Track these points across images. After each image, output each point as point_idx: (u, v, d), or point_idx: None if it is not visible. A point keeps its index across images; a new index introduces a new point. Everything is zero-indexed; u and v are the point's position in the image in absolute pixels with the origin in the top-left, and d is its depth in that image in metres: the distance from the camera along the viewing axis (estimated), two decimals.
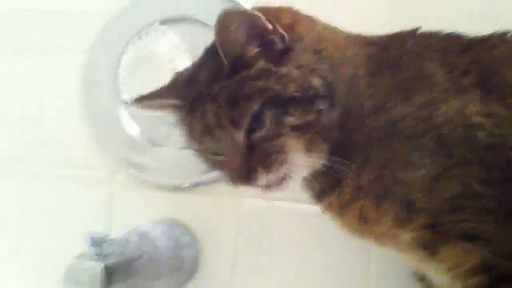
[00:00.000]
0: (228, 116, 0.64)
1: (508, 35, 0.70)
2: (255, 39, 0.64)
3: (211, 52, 0.68)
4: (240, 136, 0.64)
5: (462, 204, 0.63)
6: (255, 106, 0.63)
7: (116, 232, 0.91)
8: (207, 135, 0.66)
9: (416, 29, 0.72)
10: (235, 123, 0.64)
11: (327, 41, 0.69)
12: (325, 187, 0.69)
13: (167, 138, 0.98)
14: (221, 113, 0.64)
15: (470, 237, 0.63)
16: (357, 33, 0.74)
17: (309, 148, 0.65)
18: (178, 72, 0.72)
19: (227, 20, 0.62)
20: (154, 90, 0.71)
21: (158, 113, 0.75)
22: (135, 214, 1.02)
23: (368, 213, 0.67)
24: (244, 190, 0.67)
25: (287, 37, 0.65)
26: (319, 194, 0.70)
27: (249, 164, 0.64)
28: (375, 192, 0.65)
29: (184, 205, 0.99)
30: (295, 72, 0.64)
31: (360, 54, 0.70)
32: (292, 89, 0.63)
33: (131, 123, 1.00)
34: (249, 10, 0.66)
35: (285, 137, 0.64)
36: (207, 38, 0.85)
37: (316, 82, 0.65)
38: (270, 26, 0.64)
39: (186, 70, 0.72)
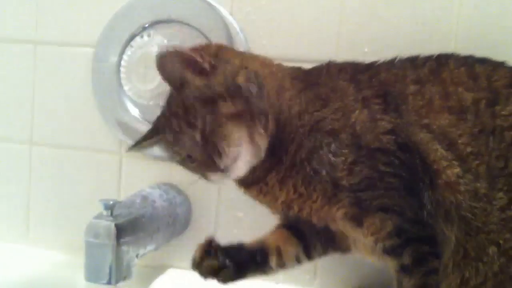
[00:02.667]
0: (186, 122, 0.80)
1: (396, 61, 0.87)
2: (190, 67, 0.80)
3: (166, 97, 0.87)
4: (197, 135, 0.80)
5: (374, 183, 0.78)
6: (198, 108, 0.79)
7: (124, 194, 1.10)
8: (177, 143, 0.83)
9: (329, 61, 0.89)
10: (191, 125, 0.80)
11: (252, 60, 0.86)
12: (263, 170, 0.83)
13: None
14: (181, 122, 0.81)
15: (384, 210, 0.78)
16: (283, 66, 0.89)
17: (250, 132, 0.80)
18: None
19: (162, 61, 0.80)
20: (141, 136, 0.91)
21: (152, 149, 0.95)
22: (138, 179, 1.16)
23: (300, 188, 0.82)
24: None
25: (212, 61, 0.81)
26: (258, 177, 0.84)
27: (208, 155, 0.79)
28: (305, 172, 0.81)
29: (177, 172, 1.06)
30: (219, 78, 0.80)
31: (285, 73, 0.86)
32: (218, 88, 0.80)
33: (133, 108, 1.14)
34: (179, 49, 0.81)
35: (225, 126, 0.79)
36: (192, 39, 1.00)
37: (240, 80, 0.80)
38: (198, 57, 0.80)
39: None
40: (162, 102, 0.89)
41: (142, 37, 1.03)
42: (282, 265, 0.91)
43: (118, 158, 1.20)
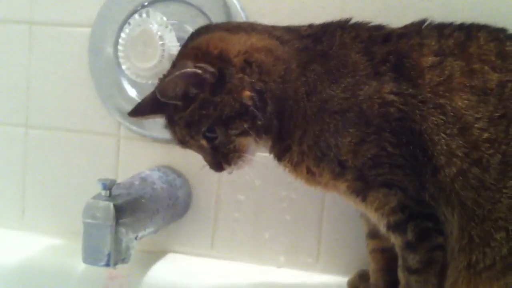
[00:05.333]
0: (188, 134, 0.83)
1: (423, 26, 0.82)
2: (192, 83, 0.79)
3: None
4: (204, 143, 0.83)
5: (380, 161, 0.78)
6: (203, 128, 0.80)
7: (122, 176, 1.08)
8: (182, 145, 0.86)
9: (345, 21, 0.84)
10: (193, 138, 0.83)
11: (257, 51, 0.82)
12: (279, 154, 0.85)
13: None
14: (184, 133, 0.83)
15: (388, 185, 0.78)
16: (292, 26, 0.87)
17: (256, 140, 0.82)
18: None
19: (164, 87, 0.80)
20: (140, 106, 0.90)
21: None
22: (137, 162, 1.15)
23: (312, 169, 0.82)
24: None
25: (215, 71, 0.79)
26: (278, 157, 0.86)
27: (217, 160, 0.83)
28: (314, 155, 0.80)
29: (177, 154, 1.12)
30: (226, 98, 0.79)
31: (291, 50, 0.82)
32: (227, 111, 0.79)
33: (130, 88, 1.13)
34: (177, 73, 0.78)
35: (235, 141, 0.81)
36: (191, 17, 0.99)
37: (246, 97, 0.79)
38: (199, 71, 0.78)
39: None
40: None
41: (140, 15, 1.00)
42: None
43: (116, 140, 1.18)
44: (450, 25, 0.82)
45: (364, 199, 0.81)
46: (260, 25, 0.89)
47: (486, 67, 0.76)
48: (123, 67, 1.04)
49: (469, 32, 0.79)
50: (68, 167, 1.22)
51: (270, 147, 0.85)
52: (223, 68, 0.80)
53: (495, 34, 0.80)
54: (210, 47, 0.81)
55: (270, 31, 0.85)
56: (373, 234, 0.94)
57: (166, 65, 1.01)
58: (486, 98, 0.75)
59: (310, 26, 0.86)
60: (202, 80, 0.79)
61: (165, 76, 0.85)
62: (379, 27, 0.84)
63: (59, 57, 1.20)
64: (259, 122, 0.80)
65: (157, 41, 0.98)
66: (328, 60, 0.81)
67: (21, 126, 1.24)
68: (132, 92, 1.14)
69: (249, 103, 0.79)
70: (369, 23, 0.85)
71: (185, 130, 0.82)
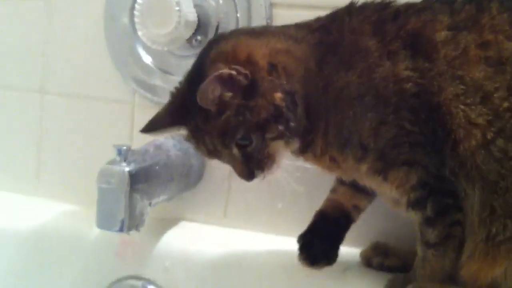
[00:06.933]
0: (221, 143, 0.80)
1: (430, 3, 0.81)
2: (227, 86, 0.76)
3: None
4: (236, 152, 0.80)
5: (400, 140, 0.78)
6: (239, 135, 0.78)
7: (136, 144, 1.06)
8: (211, 155, 0.84)
9: (351, 5, 0.84)
10: (227, 147, 0.80)
11: (279, 53, 0.81)
12: (302, 148, 0.84)
13: (176, 67, 1.10)
14: (216, 142, 0.80)
15: (409, 163, 0.79)
16: (302, 22, 0.86)
17: (287, 144, 0.82)
18: (173, 97, 0.86)
19: (203, 90, 0.75)
20: (156, 120, 0.86)
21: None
22: None
23: (336, 157, 0.83)
24: None
25: (248, 74, 0.77)
26: (300, 152, 0.86)
27: (249, 169, 0.81)
28: (338, 143, 0.81)
29: None
30: (260, 102, 0.77)
31: (307, 47, 0.82)
32: (264, 115, 0.78)
33: (145, 55, 1.12)
34: (213, 75, 0.75)
35: (269, 146, 0.80)
36: None
37: (278, 99, 0.78)
38: (233, 72, 0.75)
39: (177, 98, 0.85)
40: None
41: None
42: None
43: (131, 108, 1.17)
44: None
45: (385, 178, 0.81)
46: (272, 27, 0.90)
47: (500, 37, 0.75)
48: (139, 33, 1.03)
49: (480, 4, 0.78)
50: (83, 134, 1.21)
51: (297, 149, 0.85)
52: (254, 72, 0.78)
53: (508, 4, 0.79)
54: (237, 52, 0.80)
55: (284, 31, 0.85)
56: (335, 189, 0.97)
57: (183, 32, 1.01)
58: (502, 68, 0.74)
59: (318, 19, 0.86)
60: (237, 83, 0.77)
61: (177, 89, 0.86)
62: (387, 5, 0.83)
63: (75, 24, 1.19)
64: (292, 124, 0.80)
65: (174, 6, 0.97)
66: (340, 48, 0.81)
67: (37, 91, 1.24)
68: (148, 59, 1.13)
69: (282, 104, 0.78)
70: (374, 1, 0.84)
71: (218, 139, 0.80)
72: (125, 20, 1.12)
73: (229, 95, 0.77)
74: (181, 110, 0.82)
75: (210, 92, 0.76)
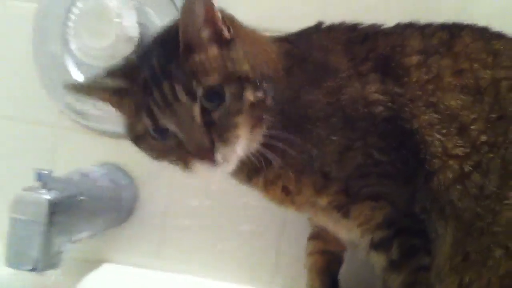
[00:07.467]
0: (185, 89, 0.66)
1: (401, 25, 0.79)
2: (208, 25, 0.68)
3: (160, 41, 0.72)
4: (197, 110, 0.66)
5: (366, 170, 0.73)
6: (211, 82, 0.66)
7: (59, 171, 0.94)
8: (166, 111, 0.67)
9: (319, 24, 0.80)
10: (191, 95, 0.66)
11: (257, 43, 0.75)
12: (251, 171, 0.75)
13: None
14: (179, 87, 0.66)
15: (374, 198, 0.73)
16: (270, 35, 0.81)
17: (253, 126, 0.69)
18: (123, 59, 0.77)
19: (191, 5, 0.65)
20: (98, 75, 0.73)
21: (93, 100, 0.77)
22: (78, 156, 1.06)
23: (290, 186, 0.75)
24: None
25: (231, 29, 0.70)
26: (247, 177, 0.76)
27: (209, 137, 0.66)
28: (295, 168, 0.73)
29: (124, 151, 0.98)
30: (242, 56, 0.69)
31: (278, 52, 0.76)
32: (246, 68, 0.68)
33: (77, 72, 1.02)
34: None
35: (241, 114, 0.68)
36: None
37: (259, 65, 0.70)
38: (220, 15, 0.68)
39: (130, 58, 0.76)
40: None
41: None
42: None
43: (56, 132, 1.08)
44: (431, 25, 0.80)
45: (346, 214, 0.75)
46: None
47: (476, 65, 0.73)
48: (72, 47, 0.95)
49: (452, 32, 0.77)
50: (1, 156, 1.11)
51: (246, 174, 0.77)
52: (234, 35, 0.71)
53: (479, 32, 0.78)
54: (223, 14, 0.72)
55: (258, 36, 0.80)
56: (317, 235, 0.92)
57: (122, 47, 0.92)
58: (480, 98, 0.71)
59: (289, 34, 0.82)
60: (219, 28, 0.69)
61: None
62: (354, 28, 0.80)
63: (2, 39, 1.10)
64: (268, 100, 0.70)
65: (113, 17, 0.90)
66: (307, 64, 0.76)
67: None
68: (80, 77, 1.02)
69: (263, 70, 0.71)
70: (344, 23, 0.81)
71: (181, 84, 0.66)
72: (57, 31, 1.02)
73: (208, 33, 0.69)
74: (134, 62, 0.72)
75: (194, 12, 0.66)
